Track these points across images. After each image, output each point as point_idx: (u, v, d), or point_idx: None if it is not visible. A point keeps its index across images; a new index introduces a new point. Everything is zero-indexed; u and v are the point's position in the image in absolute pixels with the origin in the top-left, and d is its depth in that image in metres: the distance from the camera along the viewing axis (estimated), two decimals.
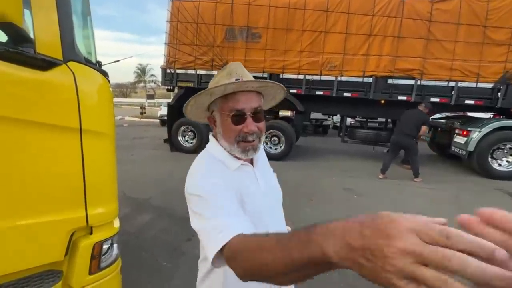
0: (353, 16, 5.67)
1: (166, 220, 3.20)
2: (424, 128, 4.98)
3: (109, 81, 1.42)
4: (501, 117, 6.17)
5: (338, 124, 9.89)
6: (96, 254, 1.30)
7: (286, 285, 0.47)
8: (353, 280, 2.14)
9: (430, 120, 5.50)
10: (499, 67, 5.30)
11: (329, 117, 11.88)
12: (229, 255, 0.52)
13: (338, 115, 7.82)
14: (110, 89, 1.42)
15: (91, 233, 1.28)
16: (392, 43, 5.58)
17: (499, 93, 5.43)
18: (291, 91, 6.31)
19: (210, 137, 0.85)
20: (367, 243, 0.29)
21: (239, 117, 0.73)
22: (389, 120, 7.39)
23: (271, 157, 6.75)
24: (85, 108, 1.17)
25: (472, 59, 5.36)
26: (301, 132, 7.41)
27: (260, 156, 0.87)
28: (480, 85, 5.49)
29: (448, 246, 0.25)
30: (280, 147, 6.45)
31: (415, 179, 5.09)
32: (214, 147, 0.81)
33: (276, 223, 0.86)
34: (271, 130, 6.48)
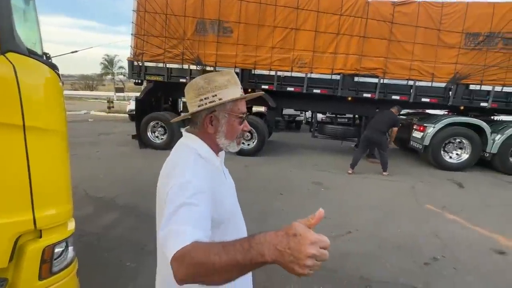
0: (322, 15, 5.82)
1: (133, 219, 3.10)
2: (395, 129, 5.45)
3: (58, 74, 1.33)
4: (453, 114, 6.78)
5: (310, 120, 10.17)
6: (47, 258, 1.23)
7: (219, 284, 0.55)
8: None
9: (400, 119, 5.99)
10: (451, 68, 5.79)
11: (301, 113, 12.16)
12: (177, 255, 0.56)
13: (309, 111, 8.05)
14: (60, 83, 1.33)
15: (40, 237, 1.21)
16: (358, 43, 5.84)
17: (450, 92, 5.96)
18: (263, 87, 6.36)
19: (189, 134, 0.89)
20: (289, 245, 0.47)
21: (243, 119, 0.88)
22: (356, 116, 7.77)
23: (244, 153, 6.80)
24: (29, 103, 1.09)
25: (428, 60, 5.80)
26: (274, 128, 7.52)
27: (221, 152, 0.95)
28: (435, 84, 5.97)
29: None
30: (253, 142, 6.49)
31: (384, 173, 5.44)
32: (199, 145, 0.85)
33: (239, 211, 1.01)
34: None
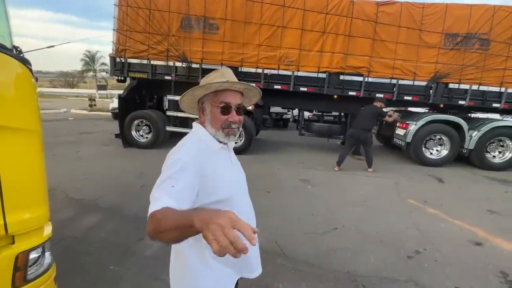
0: (308, 13, 5.85)
1: (117, 221, 3.00)
2: (386, 118, 5.53)
3: (31, 69, 1.25)
4: (433, 111, 7.03)
5: (297, 118, 10.25)
6: (21, 265, 1.16)
7: (169, 242, 0.71)
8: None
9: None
10: (431, 68, 5.99)
11: (289, 111, 12.23)
12: (150, 215, 0.73)
13: (296, 109, 8.10)
14: (33, 79, 1.25)
15: (13, 243, 1.14)
16: (344, 41, 5.92)
17: (431, 90, 6.17)
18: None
19: (196, 124, 1.03)
20: (210, 218, 0.55)
21: (226, 109, 0.94)
22: (342, 114, 7.90)
23: None
24: None
25: (410, 59, 5.97)
26: (261, 126, 7.51)
27: (230, 143, 1.06)
28: (417, 83, 6.16)
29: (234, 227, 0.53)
30: (240, 140, 6.46)
31: (369, 169, 5.56)
32: (200, 131, 0.99)
33: (246, 198, 1.12)
34: None
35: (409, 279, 2.28)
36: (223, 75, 0.95)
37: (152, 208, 0.74)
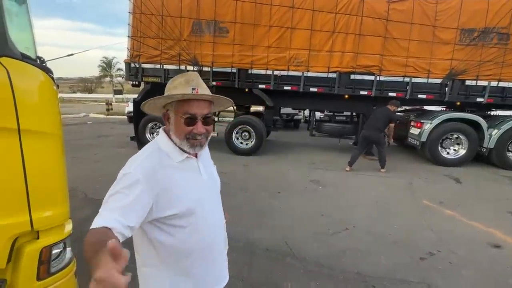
0: (317, 13, 5.83)
1: None
2: (391, 126, 5.42)
3: (53, 78, 1.35)
4: (450, 110, 6.80)
5: (308, 118, 10.18)
6: (45, 259, 1.25)
7: None
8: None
9: (397, 115, 5.97)
10: (446, 64, 5.82)
11: (300, 112, 12.17)
12: (88, 231, 0.71)
13: (307, 109, 8.06)
14: (54, 86, 1.35)
15: (38, 238, 1.23)
16: (354, 40, 5.86)
17: (446, 88, 5.98)
18: (260, 86, 6.37)
19: (161, 131, 0.96)
20: (95, 264, 0.53)
21: (191, 120, 0.88)
22: (354, 114, 7.78)
23: (242, 152, 6.82)
24: (23, 107, 1.11)
25: (424, 57, 5.82)
26: (272, 127, 7.54)
27: (204, 151, 1.01)
28: (431, 80, 5.99)
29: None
30: (251, 142, 6.52)
31: (381, 170, 5.47)
32: (163, 140, 0.93)
33: (214, 209, 1.03)
34: (242, 126, 6.50)
35: (422, 281, 2.23)
36: (188, 82, 0.88)
37: (92, 224, 0.73)
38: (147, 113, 1.07)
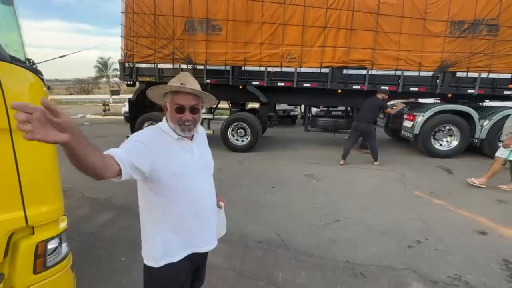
0: (308, 9, 5.86)
1: (128, 217, 3.18)
2: (388, 110, 5.49)
3: (43, 79, 1.39)
4: (444, 102, 6.87)
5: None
6: (41, 254, 1.31)
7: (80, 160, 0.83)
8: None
9: (388, 104, 6.00)
10: (437, 57, 5.87)
11: (296, 108, 12.21)
12: None
13: (301, 105, 8.10)
14: (45, 88, 1.40)
15: (33, 233, 1.29)
16: (346, 35, 5.90)
17: (437, 81, 6.04)
18: (254, 83, 6.41)
19: (164, 118, 1.25)
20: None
21: (180, 109, 1.15)
22: (349, 108, 7.84)
23: (238, 149, 6.86)
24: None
25: (415, 50, 5.87)
26: (268, 123, 7.59)
27: (199, 136, 1.30)
28: (422, 73, 6.04)
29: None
30: (247, 138, 6.57)
31: (375, 163, 5.55)
32: (164, 124, 1.21)
33: (202, 184, 1.26)
34: (237, 123, 6.55)
35: (408, 267, 2.32)
36: (179, 79, 1.16)
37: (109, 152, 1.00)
38: (151, 99, 1.29)
